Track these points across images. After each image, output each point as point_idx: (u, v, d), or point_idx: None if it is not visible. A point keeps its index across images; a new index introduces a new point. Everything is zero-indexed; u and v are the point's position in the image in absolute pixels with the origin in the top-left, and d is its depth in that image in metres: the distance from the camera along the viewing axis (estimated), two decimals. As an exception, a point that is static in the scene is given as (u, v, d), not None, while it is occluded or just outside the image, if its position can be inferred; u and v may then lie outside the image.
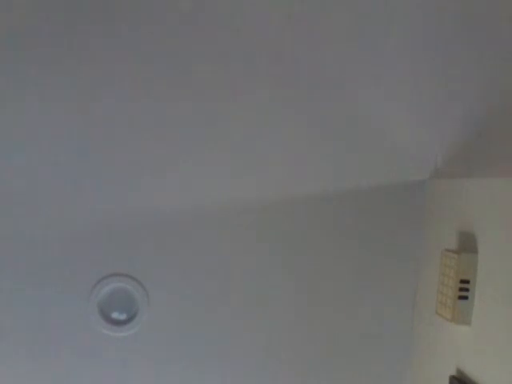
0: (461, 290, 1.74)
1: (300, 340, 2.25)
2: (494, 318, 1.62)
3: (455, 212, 1.93)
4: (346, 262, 2.24)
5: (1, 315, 2.17)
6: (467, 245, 1.80)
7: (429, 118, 2.09)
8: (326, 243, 2.23)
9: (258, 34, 2.01)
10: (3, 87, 2.01)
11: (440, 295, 1.85)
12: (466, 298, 1.73)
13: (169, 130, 2.11)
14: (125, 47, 2.01)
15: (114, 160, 2.12)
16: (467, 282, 1.73)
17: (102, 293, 2.19)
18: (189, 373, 2.23)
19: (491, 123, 1.95)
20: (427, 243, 2.15)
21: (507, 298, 1.56)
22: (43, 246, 2.16)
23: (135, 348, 2.21)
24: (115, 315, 2.22)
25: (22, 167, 2.11)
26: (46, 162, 2.11)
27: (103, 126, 2.09)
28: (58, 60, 1.99)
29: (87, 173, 2.13)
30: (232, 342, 2.24)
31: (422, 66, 2.02)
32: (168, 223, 2.18)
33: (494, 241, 1.68)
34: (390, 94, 2.09)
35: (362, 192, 2.20)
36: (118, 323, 2.22)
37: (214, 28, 1.99)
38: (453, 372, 1.82)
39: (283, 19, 1.99)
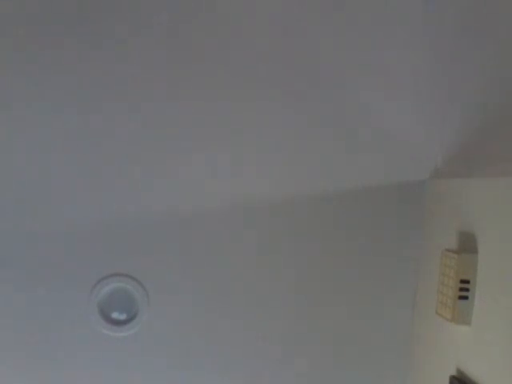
0: (461, 289, 1.73)
1: (300, 340, 2.25)
2: (494, 318, 1.62)
3: (455, 212, 1.93)
4: (346, 262, 2.24)
5: (1, 315, 2.17)
6: (467, 245, 1.80)
7: (429, 118, 2.09)
8: (326, 243, 2.23)
9: (258, 34, 2.01)
10: (3, 87, 2.01)
11: (440, 295, 1.85)
12: (466, 297, 1.73)
13: (169, 130, 2.11)
14: (125, 47, 2.01)
15: (114, 160, 2.13)
16: (467, 282, 1.73)
17: (102, 293, 2.19)
18: (189, 373, 2.23)
19: (491, 123, 1.95)
20: (427, 243, 2.15)
21: (507, 298, 1.55)
22: (43, 246, 2.16)
23: (135, 348, 2.21)
24: (115, 315, 2.22)
25: (22, 167, 2.11)
26: (46, 161, 2.11)
27: (103, 126, 2.09)
28: (58, 60, 1.99)
29: (87, 173, 2.13)
30: (232, 342, 2.24)
31: (422, 66, 2.02)
32: (168, 223, 2.18)
33: (493, 241, 1.68)
34: (390, 93, 2.09)
35: (362, 192, 2.20)
36: (118, 323, 2.22)
37: (214, 28, 1.99)
38: (453, 372, 1.82)
39: (283, 19, 1.99)
